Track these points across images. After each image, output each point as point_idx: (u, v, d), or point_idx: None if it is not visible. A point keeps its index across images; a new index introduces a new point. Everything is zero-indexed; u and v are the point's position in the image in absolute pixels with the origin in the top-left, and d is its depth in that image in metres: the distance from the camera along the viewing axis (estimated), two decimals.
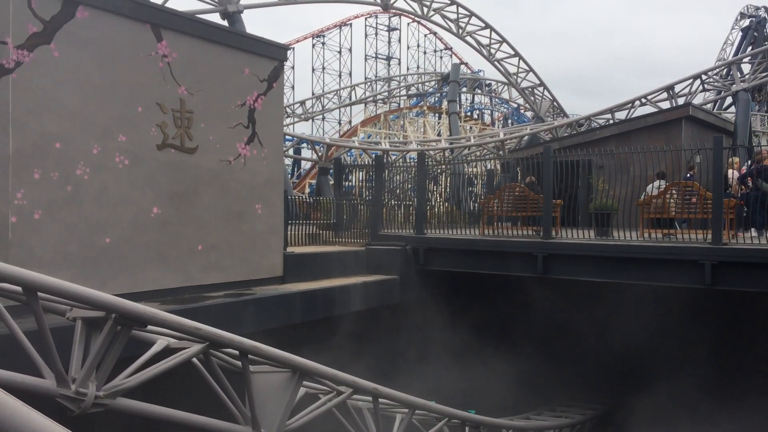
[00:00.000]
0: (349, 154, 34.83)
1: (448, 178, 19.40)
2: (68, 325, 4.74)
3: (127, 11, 8.40)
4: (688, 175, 12.99)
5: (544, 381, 13.56)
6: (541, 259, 11.67)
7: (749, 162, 13.37)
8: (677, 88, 27.91)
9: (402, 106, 54.02)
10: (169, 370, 5.01)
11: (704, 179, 11.70)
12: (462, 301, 13.18)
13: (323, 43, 58.95)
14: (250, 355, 5.49)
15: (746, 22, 52.25)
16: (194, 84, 9.26)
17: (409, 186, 16.26)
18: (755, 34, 50.74)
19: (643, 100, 28.01)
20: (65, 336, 4.68)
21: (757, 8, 52.67)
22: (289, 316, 9.94)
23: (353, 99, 52.46)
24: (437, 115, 52.55)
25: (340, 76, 59.57)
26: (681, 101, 27.03)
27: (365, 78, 58.10)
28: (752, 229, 11.62)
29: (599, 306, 12.74)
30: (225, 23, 24.16)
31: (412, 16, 42.94)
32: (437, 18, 35.59)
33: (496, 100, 57.63)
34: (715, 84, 29.40)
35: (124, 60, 8.34)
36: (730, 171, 13.37)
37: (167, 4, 22.21)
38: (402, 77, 57.22)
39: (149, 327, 4.93)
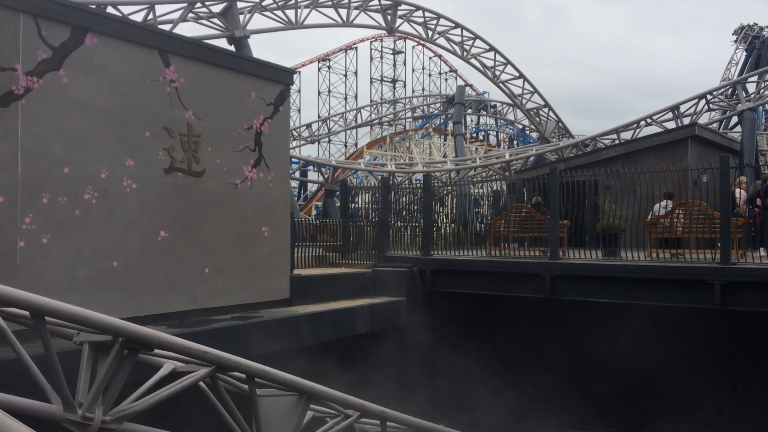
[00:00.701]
0: (355, 176, 34.93)
1: (454, 200, 19.41)
2: (75, 350, 4.73)
3: (136, 37, 8.52)
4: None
5: (553, 403, 13.40)
6: (548, 279, 11.62)
7: (763, 182, 13.30)
8: (682, 108, 27.93)
9: (408, 128, 54.24)
10: (176, 394, 4.98)
11: (711, 199, 11.66)
12: (470, 322, 13.11)
13: (329, 67, 59.40)
14: (257, 379, 5.46)
15: (750, 42, 52.53)
16: (201, 108, 9.34)
17: (416, 207, 16.26)
18: (759, 53, 50.94)
19: (649, 120, 28.03)
20: (72, 360, 4.67)
21: (762, 28, 52.95)
22: (296, 339, 9.91)
23: (359, 121, 52.76)
24: (443, 136, 52.73)
25: (345, 99, 59.92)
26: (686, 121, 27.04)
27: (371, 101, 58.47)
28: (761, 249, 11.55)
29: (609, 327, 12.62)
30: (232, 48, 24.45)
31: (417, 40, 43.32)
32: (442, 41, 35.93)
33: (502, 121, 57.80)
34: (721, 104, 29.41)
35: (132, 85, 8.43)
36: (737, 190, 13.33)
37: (175, 30, 22.56)
38: (407, 99, 57.55)
39: (156, 351, 4.92)
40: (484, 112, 56.14)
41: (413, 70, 64.41)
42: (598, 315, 12.45)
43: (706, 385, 12.87)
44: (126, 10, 23.28)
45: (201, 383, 5.38)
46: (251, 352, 7.95)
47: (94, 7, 16.85)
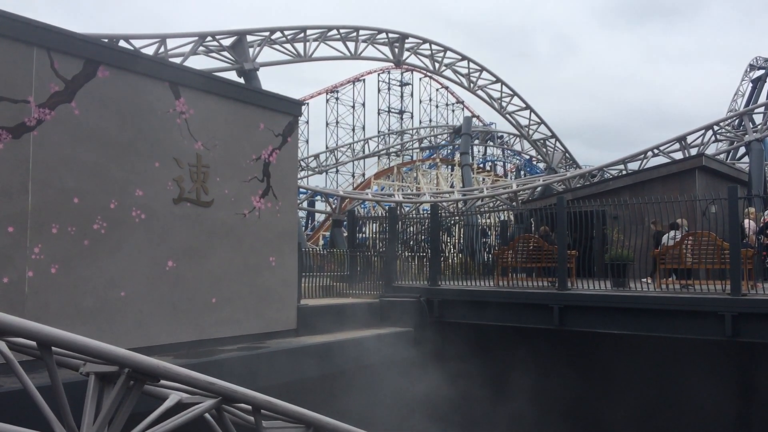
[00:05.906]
0: (362, 206, 35.01)
1: (462, 230, 19.39)
2: (80, 380, 4.72)
3: (147, 70, 8.66)
4: None
5: None
6: (557, 310, 11.54)
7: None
8: (689, 139, 27.98)
9: (415, 158, 54.51)
10: (181, 426, 4.94)
11: (720, 229, 11.62)
12: (478, 353, 12.97)
13: (337, 98, 59.95)
14: (263, 411, 5.42)
15: (756, 74, 52.81)
16: (211, 139, 9.44)
17: (423, 237, 16.26)
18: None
19: (656, 151, 28.07)
20: (78, 391, 4.66)
21: (766, 59, 53.24)
22: (302, 370, 9.84)
23: (366, 152, 53.05)
24: (450, 167, 52.94)
25: (353, 129, 60.40)
26: (693, 152, 27.04)
27: (378, 131, 58.88)
28: None
29: (618, 358, 12.49)
30: (241, 80, 24.76)
31: (424, 72, 43.76)
32: (449, 73, 36.27)
33: (509, 151, 58.02)
34: (728, 134, 29.44)
35: (142, 117, 8.54)
36: (746, 221, 13.26)
37: (186, 63, 22.90)
38: (414, 130, 57.90)
39: (162, 382, 4.90)
40: (491, 143, 56.40)
41: (420, 102, 64.98)
42: (607, 346, 12.33)
43: (718, 419, 12.66)
44: (138, 43, 23.68)
45: (207, 415, 5.34)
46: (258, 383, 7.90)
47: (106, 40, 17.17)
